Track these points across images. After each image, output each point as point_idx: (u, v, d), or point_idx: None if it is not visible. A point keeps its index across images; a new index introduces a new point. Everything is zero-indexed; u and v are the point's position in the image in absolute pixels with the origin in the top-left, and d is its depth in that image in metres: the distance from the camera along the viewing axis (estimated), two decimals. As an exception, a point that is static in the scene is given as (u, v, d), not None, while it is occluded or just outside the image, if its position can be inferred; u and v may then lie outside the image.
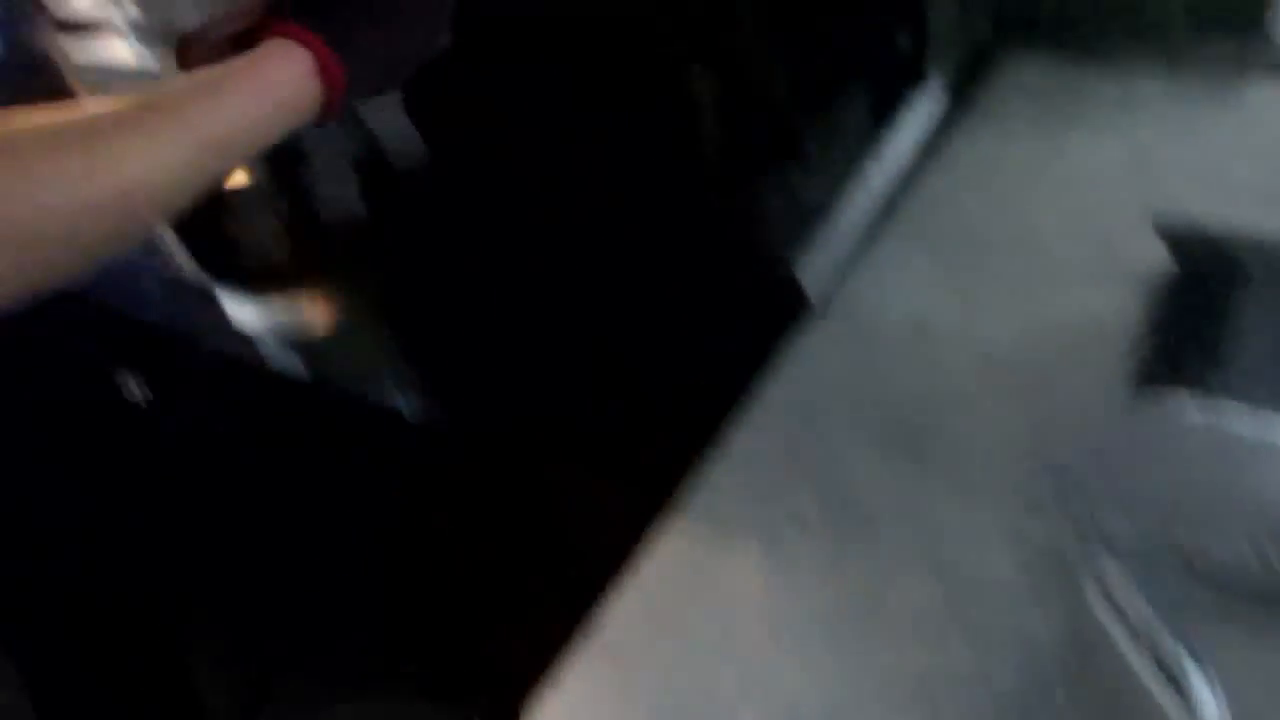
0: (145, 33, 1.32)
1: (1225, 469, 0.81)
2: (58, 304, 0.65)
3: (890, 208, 1.21)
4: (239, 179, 1.15)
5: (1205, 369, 0.88)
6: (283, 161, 1.17)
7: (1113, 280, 1.06)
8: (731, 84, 1.17)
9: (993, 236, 1.19)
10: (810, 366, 1.04)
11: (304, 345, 1.10)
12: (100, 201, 0.59)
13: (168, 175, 0.63)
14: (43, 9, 1.05)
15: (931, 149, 1.29)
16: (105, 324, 0.85)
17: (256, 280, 1.13)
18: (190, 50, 0.72)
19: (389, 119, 1.24)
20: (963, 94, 1.37)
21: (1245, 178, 1.14)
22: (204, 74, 0.67)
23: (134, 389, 0.77)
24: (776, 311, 1.05)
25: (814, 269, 1.08)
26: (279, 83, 0.68)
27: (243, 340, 0.97)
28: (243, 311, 1.09)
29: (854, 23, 1.23)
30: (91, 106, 0.62)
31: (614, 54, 1.20)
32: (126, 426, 0.81)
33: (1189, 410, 0.85)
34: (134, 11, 1.31)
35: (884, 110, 1.24)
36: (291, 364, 1.08)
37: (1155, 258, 1.05)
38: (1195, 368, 0.89)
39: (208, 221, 1.15)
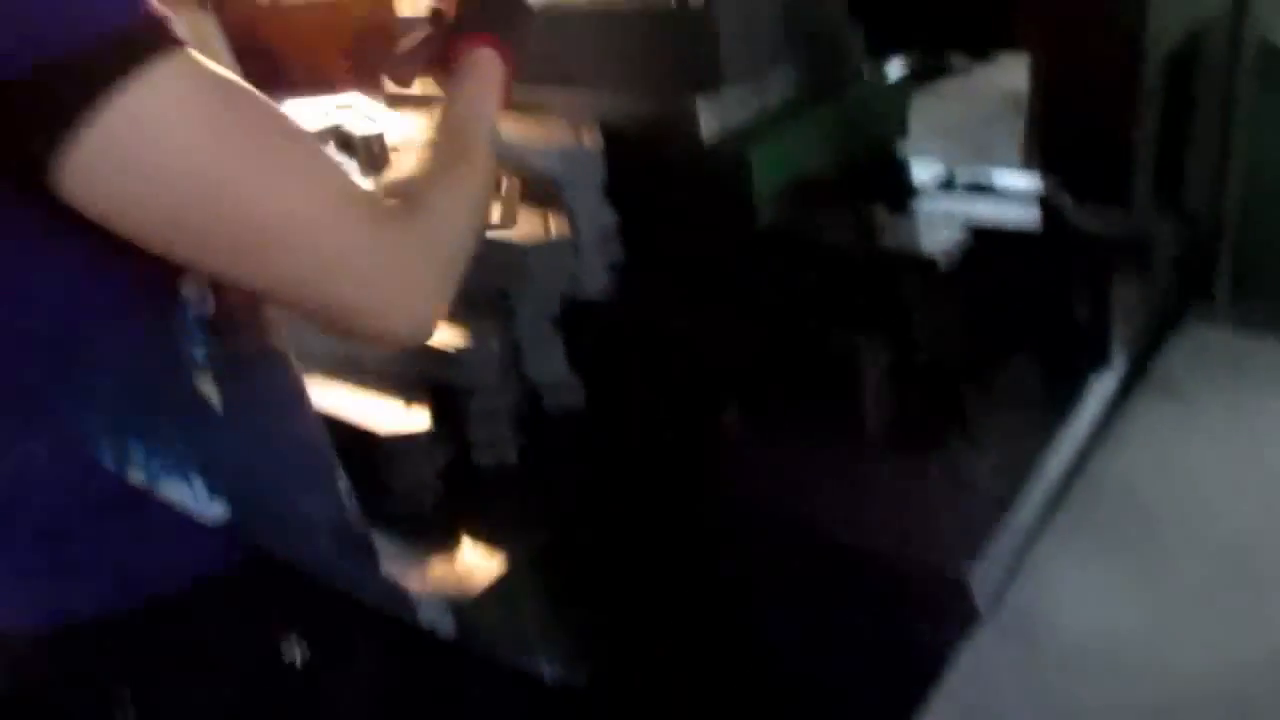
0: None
1: None
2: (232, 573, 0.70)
3: (1064, 494, 1.14)
4: (400, 426, 1.16)
5: None
6: (444, 410, 1.18)
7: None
8: (901, 357, 1.14)
9: (1181, 535, 1.10)
10: (981, 684, 0.97)
11: (456, 603, 1.08)
12: (474, 207, 0.80)
13: (489, 174, 0.85)
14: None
15: (1108, 427, 1.23)
16: (271, 580, 0.83)
17: (412, 532, 1.13)
18: (402, 70, 0.96)
19: (551, 369, 1.25)
20: (1142, 367, 1.32)
21: None
22: (458, 112, 0.86)
23: (293, 650, 0.75)
24: (943, 617, 0.99)
25: (983, 570, 1.01)
26: (496, 82, 0.90)
27: (397, 596, 0.95)
28: (398, 565, 1.09)
29: (1031, 296, 1.19)
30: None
31: (780, 319, 1.19)
32: (280, 690, 0.79)
33: None
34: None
35: (1060, 387, 1.18)
36: (443, 622, 1.05)
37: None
38: None
39: (366, 469, 1.16)
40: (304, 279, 0.66)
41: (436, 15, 1.03)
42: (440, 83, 0.94)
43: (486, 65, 0.92)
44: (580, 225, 1.25)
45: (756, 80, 1.29)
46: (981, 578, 1.01)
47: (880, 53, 1.49)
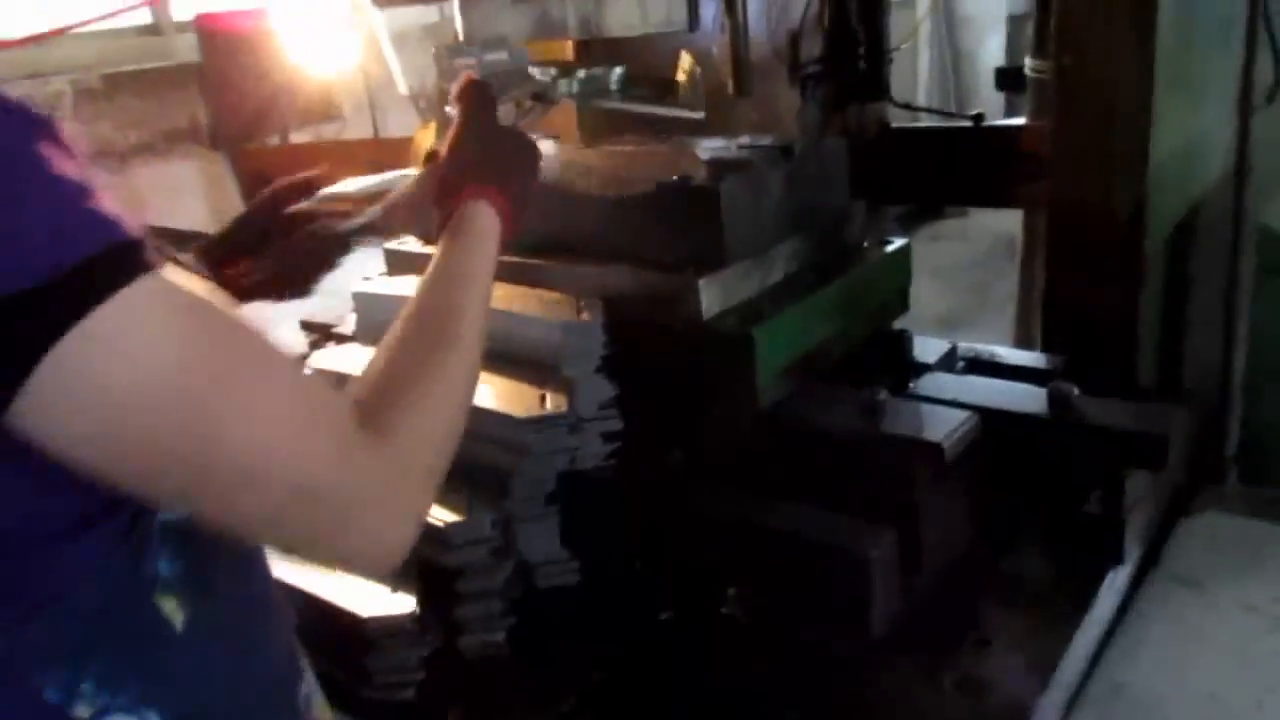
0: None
1: None
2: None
3: (1080, 697, 1.09)
4: (384, 608, 1.11)
5: None
6: (431, 591, 1.14)
7: None
8: (909, 549, 1.10)
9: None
10: None
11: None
12: (455, 401, 0.76)
13: (478, 347, 0.82)
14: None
15: (1124, 621, 1.18)
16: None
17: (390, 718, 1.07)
18: (397, 212, 1.00)
19: (545, 546, 1.21)
20: (1154, 556, 1.28)
21: None
22: (444, 265, 0.86)
23: None
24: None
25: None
26: (492, 238, 0.89)
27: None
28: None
29: (1040, 486, 1.16)
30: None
31: (783, 503, 1.15)
32: None
33: None
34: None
35: (1074, 582, 1.14)
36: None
37: None
38: None
39: (346, 654, 1.10)
40: (273, 514, 0.62)
41: (432, 156, 1.03)
42: (431, 235, 0.93)
43: (482, 219, 0.89)
44: (579, 399, 1.22)
45: (760, 257, 1.29)
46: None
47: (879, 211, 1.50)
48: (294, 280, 1.22)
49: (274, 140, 3.50)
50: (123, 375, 0.55)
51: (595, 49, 1.45)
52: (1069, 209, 1.54)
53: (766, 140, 1.38)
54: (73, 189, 0.55)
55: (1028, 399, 1.22)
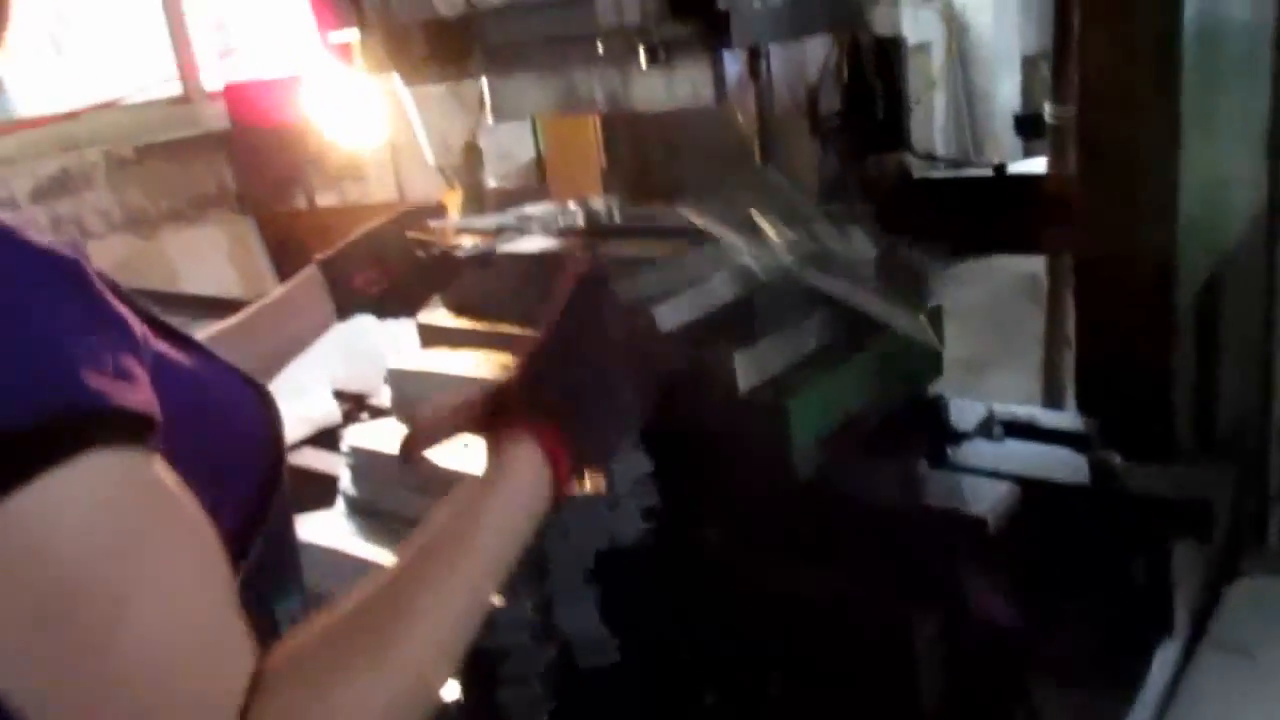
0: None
1: None
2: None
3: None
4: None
5: None
6: (473, 676, 1.13)
7: None
8: (953, 625, 1.08)
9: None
10: None
11: None
12: (396, 697, 0.60)
13: (452, 634, 0.66)
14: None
15: (1175, 695, 1.16)
16: None
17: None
18: (415, 442, 0.79)
19: (584, 625, 1.20)
20: (1202, 624, 1.26)
21: None
22: (457, 506, 0.71)
23: None
24: None
25: None
26: (523, 490, 0.72)
27: None
28: None
29: (1085, 558, 1.15)
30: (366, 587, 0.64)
31: (824, 579, 1.14)
32: None
33: None
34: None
35: (1123, 657, 1.12)
36: None
37: None
38: None
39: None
40: None
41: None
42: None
43: (524, 469, 0.72)
44: (617, 476, 1.22)
45: (793, 328, 1.29)
46: None
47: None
48: (408, 298, 1.32)
49: (301, 204, 3.56)
50: (21, 555, 0.51)
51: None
52: (1098, 264, 1.54)
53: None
54: (66, 349, 0.54)
55: (1069, 467, 1.21)
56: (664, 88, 1.37)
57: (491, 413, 0.78)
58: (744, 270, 1.21)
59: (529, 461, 0.73)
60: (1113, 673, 1.11)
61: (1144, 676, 1.10)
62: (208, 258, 3.45)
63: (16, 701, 0.53)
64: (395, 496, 1.36)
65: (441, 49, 1.45)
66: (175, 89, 3.72)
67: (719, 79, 1.41)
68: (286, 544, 0.82)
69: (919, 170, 2.17)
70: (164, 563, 0.56)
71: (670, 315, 1.18)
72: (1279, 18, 1.66)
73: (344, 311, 1.25)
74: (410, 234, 1.30)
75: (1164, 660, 1.15)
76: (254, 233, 3.52)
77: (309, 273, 1.24)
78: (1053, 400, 2.10)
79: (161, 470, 0.58)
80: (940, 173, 2.56)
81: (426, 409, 0.83)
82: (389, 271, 1.26)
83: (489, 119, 1.59)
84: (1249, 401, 1.60)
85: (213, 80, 3.75)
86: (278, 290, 1.24)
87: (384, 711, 0.60)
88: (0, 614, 0.52)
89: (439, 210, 1.40)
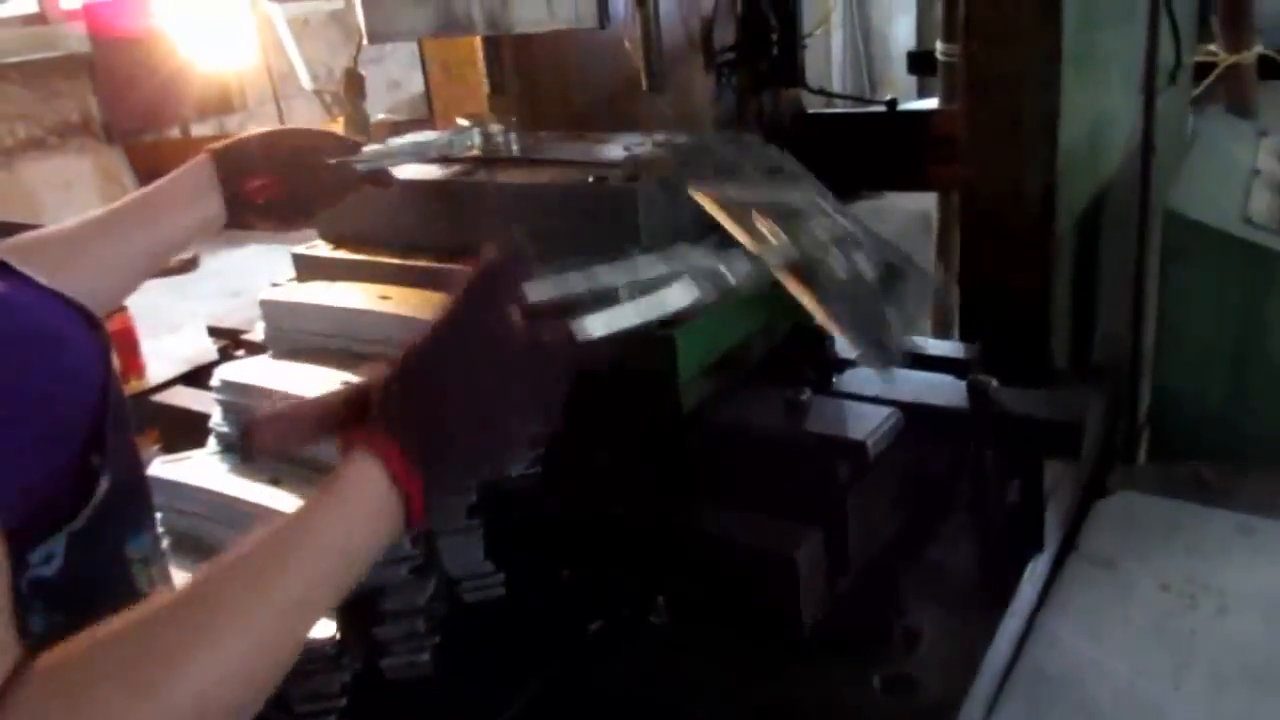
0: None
1: None
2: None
3: (1006, 688, 1.10)
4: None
5: None
6: (351, 613, 1.10)
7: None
8: (835, 548, 1.10)
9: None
10: None
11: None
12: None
13: (251, 664, 0.58)
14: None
15: (1045, 608, 1.20)
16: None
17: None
18: (256, 435, 0.71)
19: (468, 560, 1.18)
20: (1071, 540, 1.30)
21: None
22: (286, 520, 0.64)
23: None
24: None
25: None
26: (361, 514, 0.63)
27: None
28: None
29: (962, 480, 1.17)
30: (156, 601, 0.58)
31: (708, 508, 1.15)
32: None
33: None
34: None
35: (996, 573, 1.16)
36: None
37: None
38: None
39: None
40: None
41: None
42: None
43: (369, 487, 0.64)
44: (499, 408, 1.20)
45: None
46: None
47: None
48: (301, 209, 1.22)
49: (173, 133, 3.38)
50: None
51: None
52: (981, 195, 1.56)
53: (682, 137, 1.36)
54: None
55: (948, 392, 1.23)
56: (545, 8, 1.33)
57: (351, 418, 0.68)
58: (713, 276, 0.91)
59: (375, 484, 0.64)
60: (987, 588, 1.14)
61: (1015, 589, 1.13)
62: (74, 190, 3.27)
63: None
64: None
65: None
66: (30, 6, 3.47)
67: (602, 1, 1.37)
68: (134, 483, 0.77)
69: (814, 107, 2.17)
70: None
71: (600, 326, 0.82)
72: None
73: (232, 214, 1.14)
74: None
75: (1035, 573, 1.19)
76: (123, 164, 3.33)
77: (200, 160, 1.12)
78: (942, 334, 2.14)
79: None
80: (835, 109, 2.57)
81: (274, 406, 0.75)
82: (284, 177, 1.16)
83: (365, 41, 1.52)
84: (1121, 327, 1.65)
85: (71, -2, 3.52)
86: (161, 180, 1.13)
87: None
88: None
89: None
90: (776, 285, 1.31)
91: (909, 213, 5.14)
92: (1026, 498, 1.16)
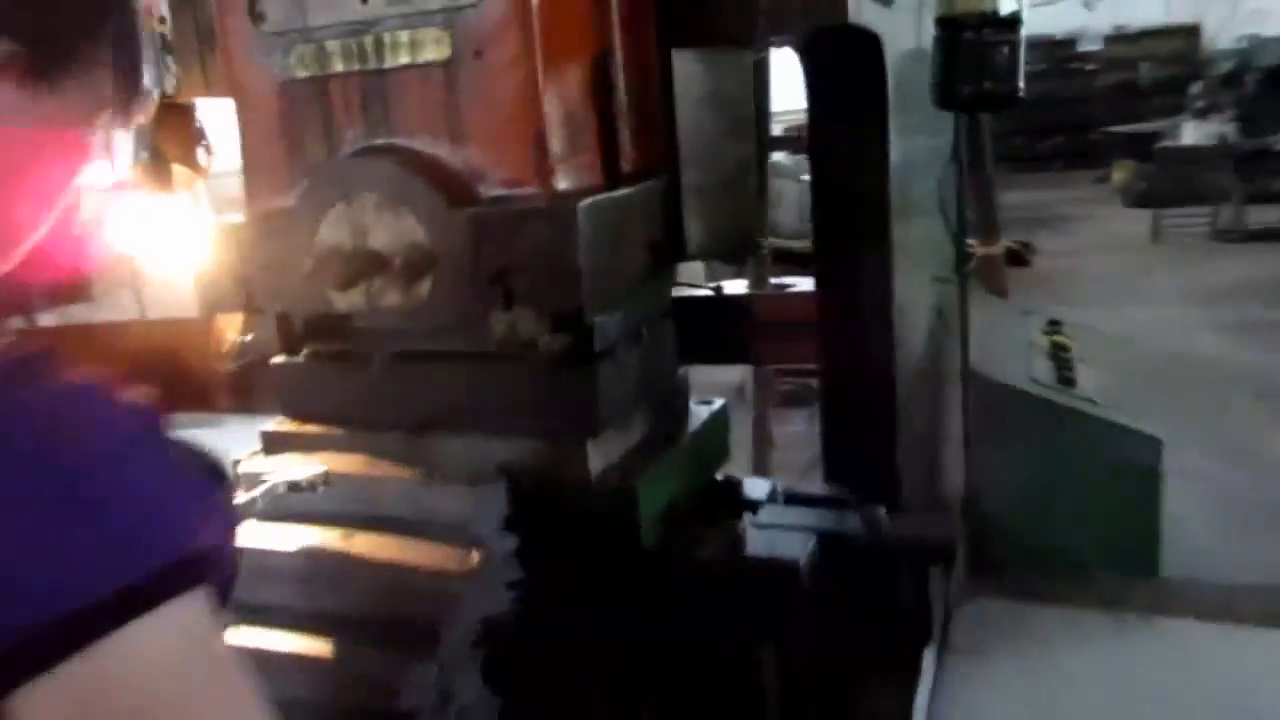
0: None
1: None
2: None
3: None
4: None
5: None
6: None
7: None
8: (783, 656, 1.37)
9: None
10: None
11: None
12: None
13: None
14: None
15: (938, 688, 1.51)
16: None
17: None
18: None
19: (472, 689, 1.37)
20: (945, 638, 1.63)
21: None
22: None
23: None
24: None
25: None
26: None
27: None
28: None
29: (868, 592, 1.48)
30: None
31: (674, 629, 1.39)
32: None
33: None
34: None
35: (903, 663, 1.46)
36: None
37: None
38: None
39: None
40: None
41: None
42: None
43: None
44: (489, 554, 1.41)
45: (625, 426, 1.55)
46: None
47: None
48: None
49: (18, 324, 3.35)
50: (117, 691, 0.60)
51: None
52: (834, 371, 1.94)
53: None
54: (147, 505, 0.62)
55: (845, 521, 1.55)
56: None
57: None
58: None
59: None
60: (897, 675, 1.44)
61: (917, 676, 1.44)
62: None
63: None
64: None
65: None
66: None
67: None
68: None
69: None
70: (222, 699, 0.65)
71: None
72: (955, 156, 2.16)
73: None
74: None
75: (930, 664, 1.50)
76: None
77: None
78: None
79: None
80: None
81: None
82: None
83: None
84: (948, 468, 2.05)
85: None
86: None
87: None
88: None
89: None
90: (700, 446, 1.62)
91: (721, 385, 5.68)
92: (919, 600, 1.48)
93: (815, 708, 1.36)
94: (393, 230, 1.40)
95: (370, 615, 1.34)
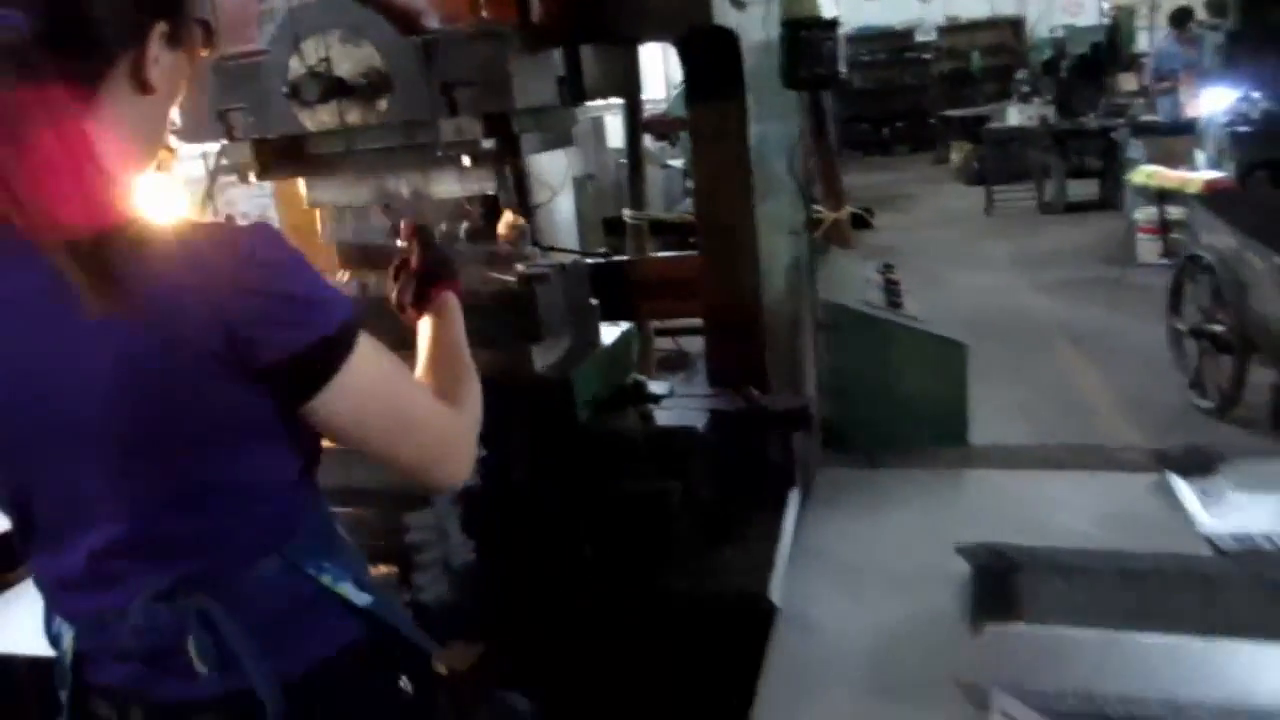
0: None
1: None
2: None
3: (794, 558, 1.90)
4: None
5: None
6: (402, 562, 1.69)
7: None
8: (687, 494, 1.85)
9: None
10: (789, 654, 1.66)
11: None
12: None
13: (477, 393, 1.27)
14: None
15: (802, 524, 2.02)
16: (392, 642, 1.17)
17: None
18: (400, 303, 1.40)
19: (455, 532, 1.80)
20: (808, 489, 2.15)
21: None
22: (449, 320, 1.36)
23: (406, 685, 1.14)
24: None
25: (774, 588, 1.73)
26: (459, 309, 1.38)
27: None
28: None
29: (749, 450, 1.98)
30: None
31: (606, 481, 1.85)
32: (396, 706, 1.16)
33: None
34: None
35: (777, 502, 1.96)
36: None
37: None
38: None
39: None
40: (419, 449, 1.11)
41: (404, 264, 1.45)
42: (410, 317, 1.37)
43: (454, 301, 1.38)
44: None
45: (558, 338, 2.00)
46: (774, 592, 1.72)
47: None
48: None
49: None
50: (366, 382, 1.05)
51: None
52: (715, 307, 2.43)
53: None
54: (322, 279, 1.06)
55: (730, 401, 2.04)
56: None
57: (419, 287, 1.40)
58: None
59: (454, 298, 1.39)
60: (773, 510, 1.94)
61: (787, 511, 1.94)
62: None
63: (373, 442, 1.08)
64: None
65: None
66: None
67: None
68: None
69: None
70: (399, 366, 1.11)
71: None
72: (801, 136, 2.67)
73: None
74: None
75: (794, 504, 2.01)
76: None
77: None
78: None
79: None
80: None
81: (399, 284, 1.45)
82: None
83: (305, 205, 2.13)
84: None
85: None
86: None
87: (478, 399, 1.26)
88: (369, 413, 1.07)
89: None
90: (617, 355, 2.08)
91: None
92: (784, 457, 1.99)
93: (710, 532, 1.85)
94: (354, 58, 1.66)
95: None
